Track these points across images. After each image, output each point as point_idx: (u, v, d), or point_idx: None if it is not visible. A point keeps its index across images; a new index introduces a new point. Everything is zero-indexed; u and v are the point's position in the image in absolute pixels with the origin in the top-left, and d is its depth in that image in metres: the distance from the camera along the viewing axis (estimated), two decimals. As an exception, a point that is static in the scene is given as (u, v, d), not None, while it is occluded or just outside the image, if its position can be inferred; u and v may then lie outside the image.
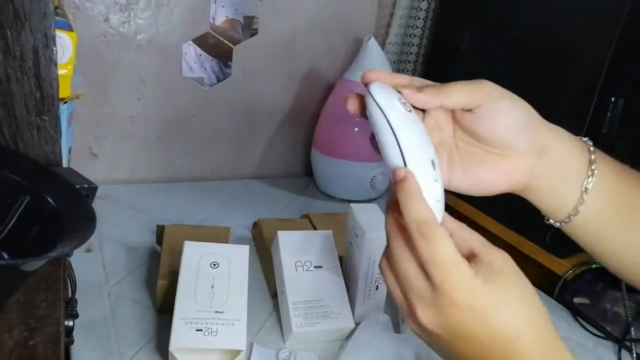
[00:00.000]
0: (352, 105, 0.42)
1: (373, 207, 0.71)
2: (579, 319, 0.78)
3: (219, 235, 0.76)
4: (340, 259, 0.71)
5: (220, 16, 0.97)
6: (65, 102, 0.64)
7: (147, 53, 0.94)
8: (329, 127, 1.03)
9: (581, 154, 0.43)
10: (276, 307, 0.70)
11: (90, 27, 0.88)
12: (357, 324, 0.66)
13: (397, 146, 0.37)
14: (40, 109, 0.56)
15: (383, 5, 1.10)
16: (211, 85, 1.01)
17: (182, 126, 1.03)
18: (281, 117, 1.11)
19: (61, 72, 0.59)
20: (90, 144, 0.97)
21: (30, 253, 0.43)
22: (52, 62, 0.55)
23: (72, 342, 0.53)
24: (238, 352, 0.57)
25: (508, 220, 0.90)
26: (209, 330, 0.57)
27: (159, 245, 0.76)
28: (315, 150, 1.06)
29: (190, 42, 0.96)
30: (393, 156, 0.38)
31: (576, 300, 0.80)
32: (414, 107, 0.40)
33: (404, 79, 0.41)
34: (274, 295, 0.72)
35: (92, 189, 0.52)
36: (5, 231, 0.47)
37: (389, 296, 0.70)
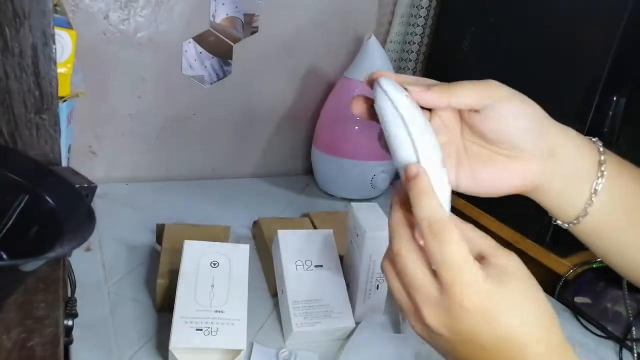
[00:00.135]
0: (358, 107, 0.41)
1: (374, 206, 0.71)
2: (580, 318, 0.78)
3: (219, 235, 0.76)
4: (341, 258, 0.71)
5: (221, 14, 0.96)
6: (64, 101, 0.64)
7: (147, 51, 0.94)
8: (330, 126, 1.03)
9: (591, 154, 0.43)
10: (276, 306, 0.70)
11: (89, 25, 0.88)
12: (357, 324, 0.65)
13: (410, 141, 0.37)
14: (39, 108, 0.56)
15: (384, 4, 1.10)
16: (212, 83, 1.01)
17: (182, 124, 1.02)
18: (281, 115, 1.11)
19: (60, 70, 0.59)
20: (89, 142, 0.97)
21: (29, 253, 0.43)
22: (52, 60, 0.55)
23: (71, 341, 0.53)
24: (238, 351, 0.57)
25: (508, 219, 0.89)
26: (209, 329, 0.57)
27: (158, 244, 0.76)
28: (316, 149, 1.05)
29: (191, 40, 0.96)
30: (405, 152, 0.37)
31: (577, 299, 0.79)
32: (420, 107, 0.39)
33: (410, 78, 0.41)
34: (274, 294, 0.72)
35: (92, 189, 0.52)
36: (4, 231, 0.47)
37: (390, 296, 0.70)
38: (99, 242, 0.79)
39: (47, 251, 0.39)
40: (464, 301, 0.34)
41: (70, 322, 0.51)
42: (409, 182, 0.36)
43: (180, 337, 0.56)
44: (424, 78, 0.42)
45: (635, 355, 0.71)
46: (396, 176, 1.09)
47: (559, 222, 0.45)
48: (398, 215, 0.37)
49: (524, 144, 0.41)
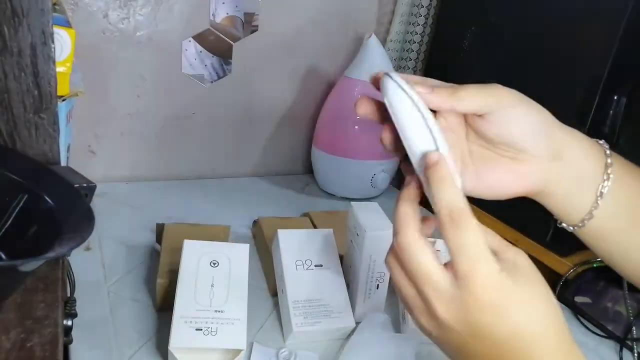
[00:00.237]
0: (363, 107, 0.41)
1: (374, 205, 0.70)
2: (580, 318, 0.78)
3: (218, 234, 0.76)
4: (341, 257, 0.71)
5: (221, 13, 0.96)
6: (63, 100, 0.63)
7: (147, 50, 0.93)
8: (330, 125, 1.03)
9: (597, 157, 0.42)
10: (276, 306, 0.70)
11: (89, 24, 0.88)
12: (357, 324, 0.65)
13: (428, 130, 0.36)
14: (38, 107, 0.55)
15: (384, 3, 1.10)
16: (212, 82, 1.01)
17: (182, 124, 1.02)
18: (281, 114, 1.11)
19: (59, 69, 0.58)
20: (89, 141, 0.97)
21: (27, 253, 0.43)
22: (50, 60, 0.55)
23: (70, 341, 0.53)
24: (238, 351, 0.57)
25: (508, 218, 0.89)
26: (209, 329, 0.57)
27: (158, 244, 0.76)
28: (316, 148, 1.05)
29: (190, 39, 0.96)
30: (422, 141, 0.37)
31: (577, 299, 0.79)
32: None
33: (416, 78, 0.41)
34: (274, 294, 0.72)
35: (91, 188, 0.52)
36: (3, 230, 0.46)
37: (392, 294, 0.70)
38: (98, 242, 0.78)
39: (46, 251, 0.39)
40: (480, 293, 0.34)
41: (69, 322, 0.51)
42: (429, 169, 0.36)
43: (180, 337, 0.56)
44: (430, 79, 0.42)
45: (636, 355, 0.71)
46: (397, 175, 1.09)
47: (563, 224, 0.45)
48: (406, 208, 0.37)
49: (529, 148, 0.41)
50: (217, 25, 0.97)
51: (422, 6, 1.06)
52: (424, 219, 0.38)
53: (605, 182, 0.42)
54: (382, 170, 1.01)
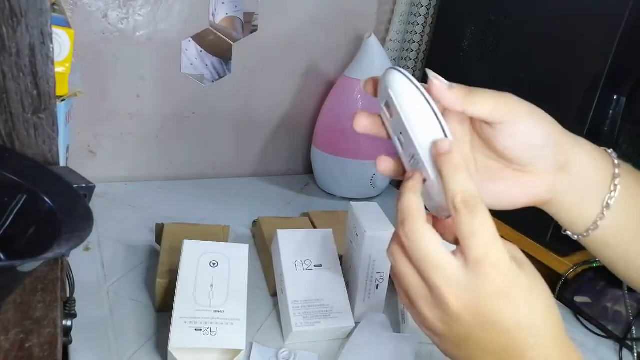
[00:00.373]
0: (362, 122, 0.41)
1: (373, 205, 0.70)
2: (580, 317, 0.78)
3: (218, 234, 0.76)
4: (340, 257, 0.71)
5: (220, 13, 0.96)
6: (62, 100, 0.63)
7: (146, 50, 0.93)
8: (329, 125, 1.03)
9: (604, 167, 0.42)
10: (276, 306, 0.70)
11: (88, 24, 0.88)
12: (357, 323, 0.65)
13: (437, 119, 0.36)
14: (37, 107, 0.55)
15: (383, 2, 1.09)
16: (213, 82, 1.01)
17: (182, 123, 1.02)
18: (281, 114, 1.11)
19: (58, 69, 0.58)
20: (88, 141, 0.96)
21: (26, 253, 0.43)
22: (49, 60, 0.54)
23: (70, 341, 0.53)
24: (238, 351, 0.57)
25: (508, 218, 0.89)
26: (209, 329, 0.57)
27: (158, 244, 0.76)
28: (316, 148, 1.05)
29: (190, 39, 0.96)
30: (431, 130, 0.36)
31: (577, 299, 0.79)
32: None
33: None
34: (273, 294, 0.72)
35: (90, 189, 0.52)
36: (1, 231, 0.46)
37: (392, 293, 0.70)
38: (98, 242, 0.78)
39: (45, 251, 0.39)
40: (492, 277, 0.33)
41: (69, 323, 0.51)
42: (441, 157, 0.35)
43: (179, 337, 0.56)
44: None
45: (636, 354, 0.71)
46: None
47: (568, 232, 0.45)
48: (412, 197, 0.36)
49: (536, 161, 0.40)
50: (216, 25, 0.97)
51: (422, 6, 1.06)
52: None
53: (612, 192, 0.41)
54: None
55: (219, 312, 0.58)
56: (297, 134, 1.14)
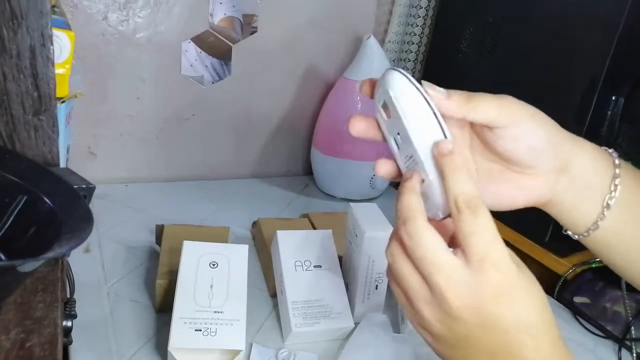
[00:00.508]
0: (357, 126, 0.41)
1: (373, 206, 0.71)
2: (579, 318, 0.78)
3: (218, 235, 0.76)
4: (340, 258, 0.71)
5: (219, 14, 0.96)
6: (63, 102, 0.64)
7: (146, 52, 0.94)
8: (329, 126, 1.03)
9: (605, 168, 0.42)
10: (275, 306, 0.70)
11: (88, 26, 0.88)
12: (356, 324, 0.65)
13: (437, 121, 0.36)
14: (37, 109, 0.56)
15: (382, 3, 1.10)
16: (213, 83, 1.01)
17: (182, 125, 1.02)
18: (281, 116, 1.11)
19: (59, 71, 0.59)
20: (88, 143, 0.97)
21: (27, 253, 0.43)
22: (49, 61, 0.55)
23: (70, 342, 0.53)
24: (237, 352, 0.57)
25: (507, 218, 0.89)
26: (208, 330, 0.57)
27: (158, 245, 0.76)
28: (315, 149, 1.05)
29: (189, 40, 0.96)
30: (432, 130, 0.36)
31: (576, 299, 0.79)
32: None
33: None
34: (273, 295, 0.72)
35: (90, 189, 0.52)
36: (2, 231, 0.47)
37: (391, 293, 0.70)
38: (98, 243, 0.79)
39: (45, 252, 0.39)
40: (494, 276, 0.34)
41: (69, 323, 0.51)
42: (443, 158, 0.36)
43: (179, 337, 0.56)
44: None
45: (635, 355, 0.71)
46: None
47: (569, 232, 0.45)
48: (412, 197, 0.37)
49: (536, 164, 0.40)
50: (216, 26, 0.97)
51: (421, 7, 1.06)
52: None
53: (612, 193, 0.41)
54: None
55: (218, 312, 0.59)
56: (297, 135, 1.14)
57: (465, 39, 0.94)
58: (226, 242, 0.77)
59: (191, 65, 0.98)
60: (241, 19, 0.98)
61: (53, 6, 0.60)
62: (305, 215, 0.89)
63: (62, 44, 0.59)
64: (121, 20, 0.90)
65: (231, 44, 0.99)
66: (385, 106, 0.39)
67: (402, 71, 0.38)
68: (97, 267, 0.73)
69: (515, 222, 0.88)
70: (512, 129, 0.39)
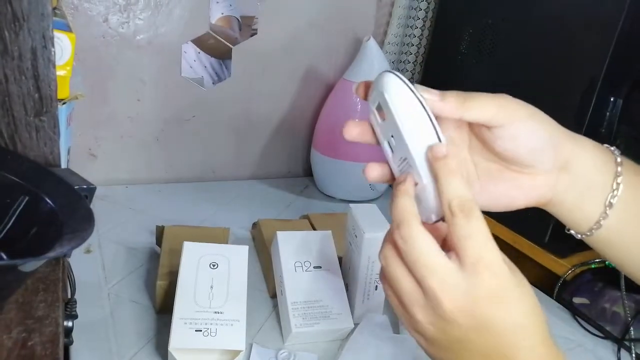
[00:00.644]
0: (351, 130, 0.41)
1: (372, 207, 0.71)
2: (578, 318, 0.78)
3: (218, 236, 0.76)
4: (340, 259, 0.71)
5: (216, 13, 0.96)
6: (64, 103, 0.64)
7: (147, 54, 0.94)
8: (329, 128, 1.03)
9: (607, 166, 0.41)
10: (275, 307, 0.70)
11: (89, 28, 0.88)
12: (356, 324, 0.66)
13: (431, 124, 0.36)
14: (38, 110, 0.56)
15: (381, 5, 1.10)
16: (213, 83, 1.01)
17: (182, 127, 1.03)
18: (281, 117, 1.11)
19: (60, 72, 0.59)
20: (89, 144, 0.97)
21: (28, 253, 0.43)
22: (51, 63, 0.55)
23: (71, 342, 0.54)
24: (237, 352, 0.57)
25: (506, 219, 0.90)
26: (209, 330, 0.57)
27: (158, 246, 0.76)
28: (315, 151, 1.06)
29: (190, 42, 0.96)
30: (426, 134, 0.36)
31: (575, 300, 0.79)
32: None
33: (418, 86, 0.40)
34: (273, 295, 0.72)
35: (91, 190, 0.52)
36: (4, 232, 0.47)
37: (387, 291, 0.70)
38: (98, 244, 0.79)
39: (46, 252, 0.40)
40: (487, 280, 0.34)
41: (70, 323, 0.51)
42: (437, 161, 0.35)
43: (179, 338, 0.56)
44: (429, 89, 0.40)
45: (634, 355, 0.71)
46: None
47: (572, 231, 0.44)
48: (406, 201, 0.36)
49: (536, 163, 0.40)
50: (216, 28, 0.97)
51: (420, 9, 1.06)
52: None
53: (615, 191, 0.41)
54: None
55: (218, 313, 0.59)
56: (297, 136, 1.15)
57: (464, 41, 0.95)
58: (226, 243, 0.77)
59: (191, 67, 0.98)
60: (239, 18, 0.98)
61: (54, 8, 0.60)
62: (305, 216, 0.90)
63: (63, 45, 0.59)
64: (122, 23, 0.91)
65: (231, 46, 1.00)
66: (379, 108, 0.38)
67: (397, 73, 0.37)
68: (98, 268, 0.74)
69: (514, 222, 0.88)
70: (510, 128, 0.38)
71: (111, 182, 0.99)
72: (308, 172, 1.16)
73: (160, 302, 0.65)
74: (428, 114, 0.36)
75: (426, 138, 0.36)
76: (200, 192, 1.01)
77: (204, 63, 0.99)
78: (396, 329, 0.68)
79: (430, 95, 0.37)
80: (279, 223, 0.83)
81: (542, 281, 0.84)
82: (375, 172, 0.41)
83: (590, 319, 0.77)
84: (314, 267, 0.68)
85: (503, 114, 0.38)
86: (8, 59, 0.53)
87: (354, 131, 0.41)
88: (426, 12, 1.07)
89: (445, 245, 0.37)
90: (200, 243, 0.66)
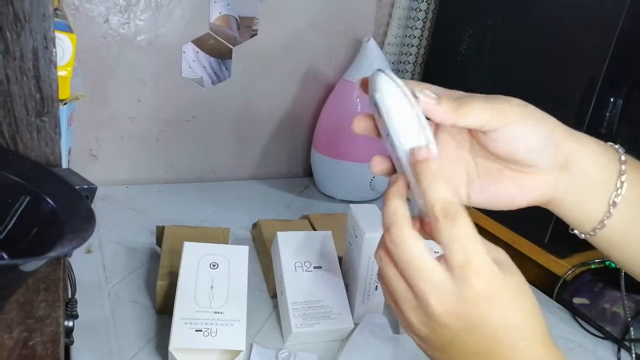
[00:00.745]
0: (360, 124, 0.40)
1: (372, 207, 0.71)
2: (578, 319, 0.78)
3: (218, 236, 0.77)
4: (340, 259, 0.71)
5: (214, 12, 0.96)
6: (65, 104, 0.64)
7: (147, 54, 0.94)
8: (329, 128, 1.03)
9: (609, 164, 0.40)
10: (276, 307, 0.71)
11: (90, 29, 0.89)
12: (356, 324, 0.66)
13: (418, 124, 0.36)
14: (40, 110, 0.56)
15: (382, 6, 1.10)
16: (213, 84, 1.01)
17: (182, 127, 1.03)
18: (281, 117, 1.11)
19: (61, 73, 0.59)
20: (90, 145, 0.97)
21: (29, 253, 0.44)
22: (52, 64, 0.55)
23: (72, 342, 0.54)
24: (237, 352, 0.57)
25: (506, 219, 0.90)
26: (209, 330, 0.57)
27: (158, 246, 0.77)
28: (315, 151, 1.06)
29: (190, 43, 0.96)
30: (411, 134, 0.36)
31: (575, 300, 0.80)
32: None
33: (415, 82, 0.39)
34: (273, 295, 0.72)
35: (92, 190, 0.53)
36: (5, 231, 0.47)
37: (383, 291, 0.70)
38: (99, 244, 0.79)
39: (47, 251, 0.40)
40: (475, 283, 0.33)
41: (70, 323, 0.51)
42: (419, 164, 0.35)
43: (180, 338, 0.56)
44: (429, 84, 0.40)
45: (634, 355, 0.71)
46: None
47: (575, 231, 0.44)
48: (397, 203, 0.36)
49: (536, 163, 0.40)
50: (216, 29, 0.97)
51: (420, 10, 1.06)
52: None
53: (619, 190, 0.40)
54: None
55: (219, 313, 0.59)
56: (297, 136, 1.15)
57: (464, 41, 0.95)
58: (226, 243, 0.77)
59: (191, 68, 0.98)
60: (237, 18, 0.98)
61: (55, 9, 0.61)
62: (306, 217, 0.90)
63: (64, 46, 0.59)
64: (122, 23, 0.91)
65: (231, 47, 1.00)
66: (375, 106, 0.38)
67: (389, 73, 0.37)
68: (98, 268, 0.74)
69: (514, 223, 0.88)
70: (505, 131, 0.38)
71: (112, 183, 0.99)
72: (308, 173, 1.16)
73: (160, 302, 0.66)
74: (417, 115, 0.36)
75: (412, 139, 0.36)
76: (201, 193, 1.02)
77: (203, 63, 0.99)
78: (396, 329, 0.68)
79: (427, 99, 0.37)
80: (279, 223, 0.83)
81: (542, 281, 0.84)
82: (379, 165, 0.41)
83: (590, 319, 0.77)
84: (314, 267, 0.68)
85: (497, 118, 0.37)
86: (10, 59, 0.53)
87: (362, 124, 0.41)
88: (426, 13, 1.07)
89: None
90: (201, 243, 0.66)
